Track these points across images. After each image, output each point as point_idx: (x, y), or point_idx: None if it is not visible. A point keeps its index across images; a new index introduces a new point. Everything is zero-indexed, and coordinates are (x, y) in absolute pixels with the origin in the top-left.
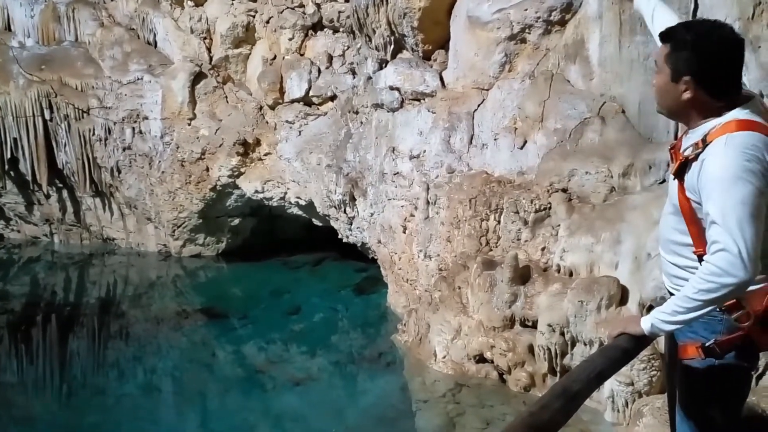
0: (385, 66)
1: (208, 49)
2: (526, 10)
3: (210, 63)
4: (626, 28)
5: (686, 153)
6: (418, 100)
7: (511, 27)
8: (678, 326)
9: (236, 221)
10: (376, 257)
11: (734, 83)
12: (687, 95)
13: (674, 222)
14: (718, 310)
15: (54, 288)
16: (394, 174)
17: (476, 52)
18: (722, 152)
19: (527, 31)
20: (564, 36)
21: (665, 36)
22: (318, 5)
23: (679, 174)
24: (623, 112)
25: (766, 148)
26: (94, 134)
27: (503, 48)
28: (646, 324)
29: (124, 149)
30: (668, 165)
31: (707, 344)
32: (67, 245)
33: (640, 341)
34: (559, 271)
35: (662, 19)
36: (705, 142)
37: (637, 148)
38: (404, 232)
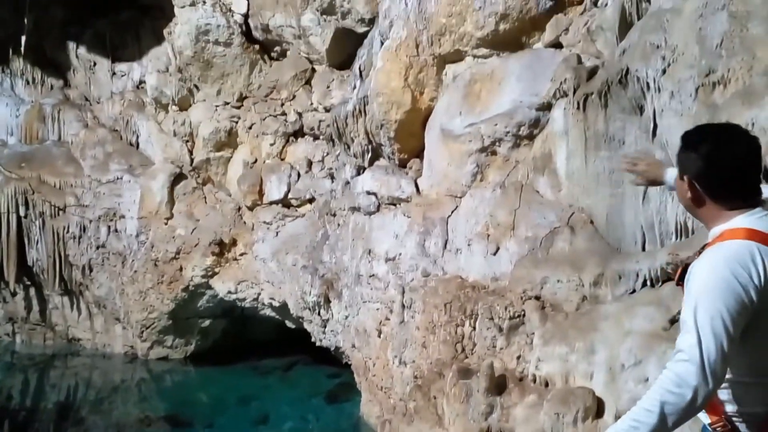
0: (363, 172)
1: (190, 152)
2: (496, 125)
3: (191, 165)
4: (591, 143)
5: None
6: (394, 205)
7: (482, 140)
8: None
9: (207, 322)
10: (349, 362)
11: (739, 192)
12: (689, 194)
13: None
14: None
15: (10, 391)
16: (370, 276)
17: (449, 162)
18: (707, 261)
19: (497, 144)
20: (533, 149)
21: (682, 136)
22: (300, 114)
23: (680, 280)
24: (592, 222)
25: (757, 257)
26: (68, 231)
27: (475, 159)
28: None
29: (97, 247)
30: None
31: None
32: (29, 345)
33: None
34: (534, 380)
35: None
36: (703, 249)
37: (607, 258)
38: (379, 336)
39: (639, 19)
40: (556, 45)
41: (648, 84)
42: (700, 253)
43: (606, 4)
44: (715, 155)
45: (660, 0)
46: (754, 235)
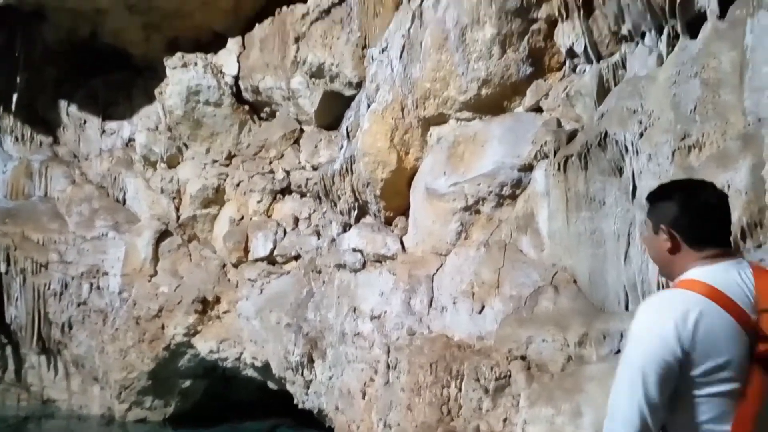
0: (349, 229)
1: (177, 209)
2: (479, 184)
3: (177, 222)
4: (572, 204)
5: None
6: (380, 262)
7: (465, 199)
8: None
9: (187, 383)
10: (333, 426)
11: (712, 237)
12: (667, 244)
13: None
14: None
15: None
16: (355, 335)
17: (434, 220)
18: (643, 308)
19: (481, 203)
20: (515, 209)
21: (649, 196)
22: (287, 172)
23: None
24: (575, 282)
25: (691, 312)
26: (49, 288)
27: (459, 218)
28: None
29: (78, 304)
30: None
31: None
32: (2, 406)
33: None
34: None
35: None
36: None
37: (591, 317)
38: (363, 398)
39: (616, 85)
40: (537, 109)
41: (626, 147)
42: None
43: (584, 71)
44: (688, 199)
45: (635, 67)
46: (700, 287)
